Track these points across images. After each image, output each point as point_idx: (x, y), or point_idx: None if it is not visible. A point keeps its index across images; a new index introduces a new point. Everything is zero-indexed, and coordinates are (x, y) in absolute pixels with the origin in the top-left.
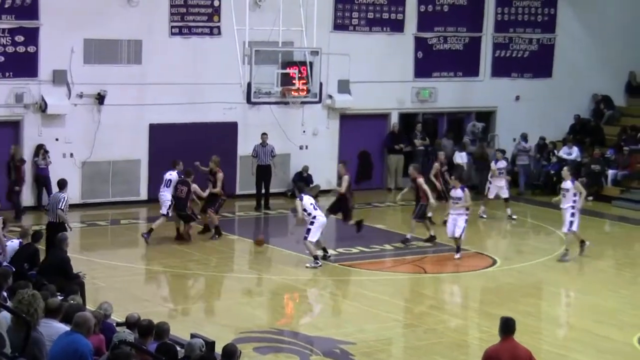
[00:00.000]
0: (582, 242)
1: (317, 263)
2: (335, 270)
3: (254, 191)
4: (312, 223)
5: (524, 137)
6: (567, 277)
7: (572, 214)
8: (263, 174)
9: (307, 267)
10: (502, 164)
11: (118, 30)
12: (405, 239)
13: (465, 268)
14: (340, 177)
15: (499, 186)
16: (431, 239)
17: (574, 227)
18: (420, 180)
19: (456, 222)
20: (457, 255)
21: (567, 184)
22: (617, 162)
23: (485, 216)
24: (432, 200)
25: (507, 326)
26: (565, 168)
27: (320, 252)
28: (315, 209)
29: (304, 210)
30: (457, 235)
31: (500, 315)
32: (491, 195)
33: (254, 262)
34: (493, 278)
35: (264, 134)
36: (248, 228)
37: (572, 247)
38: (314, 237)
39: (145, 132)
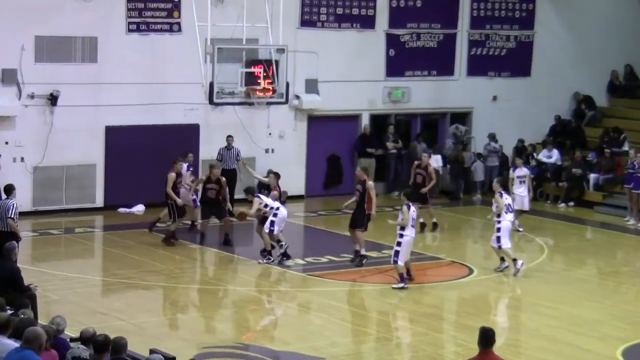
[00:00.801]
0: (514, 260)
1: (270, 259)
2: (304, 280)
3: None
4: (275, 215)
5: (493, 137)
6: (547, 286)
7: (498, 229)
8: (228, 178)
9: (258, 263)
10: (522, 171)
11: (72, 27)
12: (360, 256)
13: (441, 278)
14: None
15: (521, 196)
16: (357, 255)
17: (502, 244)
18: (370, 183)
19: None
20: (398, 285)
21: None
22: (599, 166)
23: (521, 229)
24: (373, 211)
25: (486, 338)
26: (495, 180)
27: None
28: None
29: (266, 205)
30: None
31: (478, 327)
32: (517, 206)
33: (217, 272)
34: (469, 288)
35: (229, 136)
36: (211, 236)
37: (508, 259)
38: (276, 229)
39: (101, 134)
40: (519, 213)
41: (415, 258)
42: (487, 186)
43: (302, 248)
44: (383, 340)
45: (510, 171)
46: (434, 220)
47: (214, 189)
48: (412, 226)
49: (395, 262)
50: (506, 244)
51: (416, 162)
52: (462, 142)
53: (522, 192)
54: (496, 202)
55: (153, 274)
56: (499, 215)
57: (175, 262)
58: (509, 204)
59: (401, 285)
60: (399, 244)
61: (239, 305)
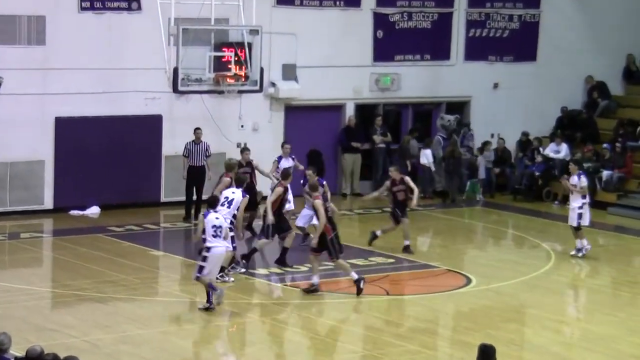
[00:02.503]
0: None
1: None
2: (282, 292)
3: (182, 198)
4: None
5: (467, 126)
6: (555, 298)
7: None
8: (195, 177)
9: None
10: (576, 179)
11: (15, 4)
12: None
13: (435, 288)
14: (395, 185)
15: (579, 209)
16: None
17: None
18: (318, 202)
19: None
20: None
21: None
22: (611, 161)
23: (584, 252)
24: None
25: (487, 356)
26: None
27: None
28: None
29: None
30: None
31: (477, 344)
32: (575, 223)
33: (183, 283)
34: (467, 300)
35: (197, 129)
36: (176, 242)
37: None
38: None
39: (50, 127)
40: (577, 230)
41: (406, 266)
42: (493, 185)
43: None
44: (368, 357)
45: (564, 180)
46: (407, 242)
47: (247, 172)
48: (215, 235)
49: (198, 277)
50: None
51: (387, 183)
52: (452, 133)
53: (576, 203)
54: (580, 184)
55: (109, 285)
56: (584, 197)
57: (135, 271)
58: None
59: (207, 305)
60: (204, 258)
61: (209, 320)
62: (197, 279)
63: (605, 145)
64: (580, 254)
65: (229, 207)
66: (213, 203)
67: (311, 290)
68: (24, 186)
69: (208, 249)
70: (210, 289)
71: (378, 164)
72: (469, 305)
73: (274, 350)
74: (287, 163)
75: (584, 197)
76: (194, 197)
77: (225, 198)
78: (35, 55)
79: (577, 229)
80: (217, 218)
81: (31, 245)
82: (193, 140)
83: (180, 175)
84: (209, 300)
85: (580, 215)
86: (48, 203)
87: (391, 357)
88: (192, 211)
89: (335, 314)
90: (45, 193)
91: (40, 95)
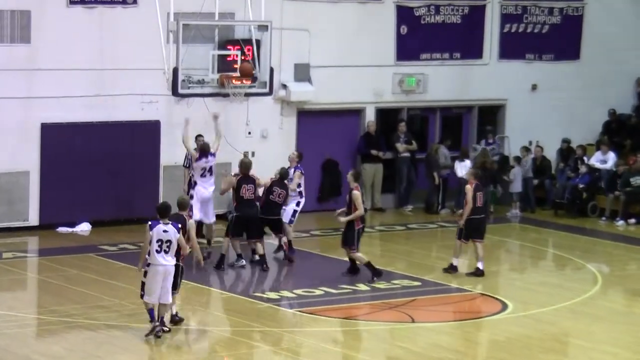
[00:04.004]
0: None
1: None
2: (294, 318)
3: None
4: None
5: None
6: (602, 326)
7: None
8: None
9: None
10: None
11: None
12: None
13: (467, 315)
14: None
15: None
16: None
17: None
18: (357, 192)
19: None
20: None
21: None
22: None
23: None
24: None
25: None
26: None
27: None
28: None
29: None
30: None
31: None
32: None
33: (184, 308)
34: (503, 328)
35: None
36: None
37: None
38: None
39: (35, 134)
40: None
41: (434, 289)
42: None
43: (291, 277)
44: None
45: None
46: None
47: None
48: (161, 251)
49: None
50: None
51: None
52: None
53: None
54: None
55: (101, 310)
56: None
57: (130, 295)
58: None
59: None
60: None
61: (213, 349)
62: (142, 297)
63: None
64: None
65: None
66: (163, 211)
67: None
68: (6, 200)
69: (148, 264)
70: (150, 314)
71: (402, 175)
72: (504, 334)
73: None
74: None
75: None
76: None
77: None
78: (19, 55)
79: None
80: (165, 231)
81: (14, 266)
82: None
83: (180, 187)
84: (152, 319)
85: None
86: (33, 219)
87: None
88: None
89: (353, 342)
90: (29, 208)
91: (24, 99)
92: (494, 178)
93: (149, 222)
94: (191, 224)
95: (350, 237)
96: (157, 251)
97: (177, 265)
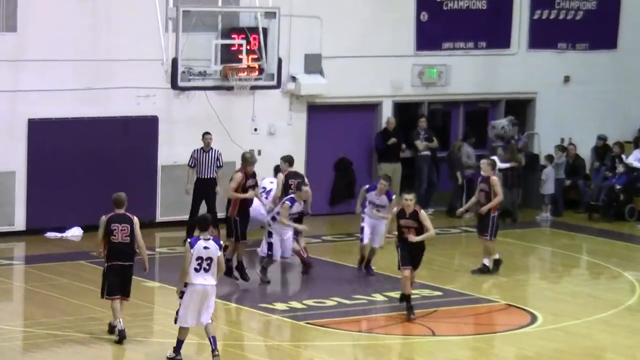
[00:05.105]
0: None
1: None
2: (303, 331)
3: (184, 217)
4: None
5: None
6: None
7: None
8: (204, 191)
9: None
10: None
11: None
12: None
13: (492, 328)
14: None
15: None
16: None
17: None
18: (496, 178)
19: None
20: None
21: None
22: None
23: None
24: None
25: None
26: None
27: None
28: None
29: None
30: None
31: None
32: None
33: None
34: (532, 342)
35: (206, 134)
36: (174, 271)
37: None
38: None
39: (22, 131)
40: None
41: (457, 300)
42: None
43: (300, 286)
44: None
45: None
46: (496, 256)
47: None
48: (198, 270)
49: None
50: None
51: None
52: (510, 140)
53: None
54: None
55: (94, 323)
56: None
57: (125, 306)
58: None
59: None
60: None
61: None
62: (175, 322)
63: None
64: None
65: (266, 198)
66: (203, 225)
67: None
68: None
69: (185, 284)
70: (177, 345)
71: (422, 175)
72: (533, 348)
73: None
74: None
75: None
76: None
77: (263, 188)
78: (5, 44)
79: None
80: (206, 248)
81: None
82: (201, 148)
83: (180, 189)
84: (175, 350)
85: None
86: (19, 224)
87: None
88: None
89: (368, 357)
90: (16, 211)
91: (10, 93)
92: (522, 177)
93: (189, 240)
94: (137, 221)
95: (485, 225)
96: (196, 270)
97: (130, 266)
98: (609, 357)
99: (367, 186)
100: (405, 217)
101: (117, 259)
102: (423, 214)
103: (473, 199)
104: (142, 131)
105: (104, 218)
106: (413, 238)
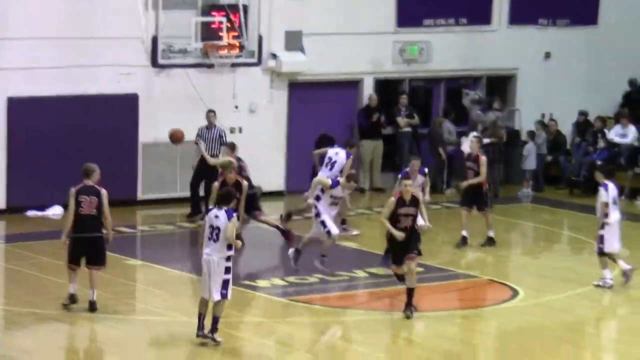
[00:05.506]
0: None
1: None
2: (286, 308)
3: (164, 195)
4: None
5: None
6: (621, 315)
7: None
8: (208, 168)
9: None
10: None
11: None
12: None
13: (474, 303)
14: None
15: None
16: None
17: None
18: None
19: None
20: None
21: None
22: None
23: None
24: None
25: None
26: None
27: None
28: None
29: None
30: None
31: None
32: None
33: (167, 298)
34: (513, 317)
35: (210, 111)
36: (157, 249)
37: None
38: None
39: (2, 109)
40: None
41: (438, 276)
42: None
43: (283, 263)
44: None
45: (601, 192)
46: (491, 233)
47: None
48: (209, 238)
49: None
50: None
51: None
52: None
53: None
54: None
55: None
56: (605, 215)
57: (107, 284)
58: (615, 197)
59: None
60: (228, 270)
61: (197, 342)
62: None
63: None
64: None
65: (331, 169)
66: (225, 199)
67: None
68: None
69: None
70: (198, 320)
71: (403, 152)
72: (514, 323)
73: None
74: None
75: (605, 215)
76: (202, 193)
77: (328, 158)
78: None
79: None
80: (216, 217)
81: None
82: (206, 126)
83: (161, 167)
84: (199, 327)
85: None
86: (0, 202)
87: None
88: (202, 207)
89: (352, 334)
90: None
91: None
92: (503, 153)
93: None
94: (105, 194)
95: (482, 201)
96: (208, 238)
97: (99, 237)
98: (589, 332)
99: (399, 175)
100: (406, 204)
101: (83, 231)
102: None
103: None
104: (123, 109)
105: (72, 190)
106: (423, 227)
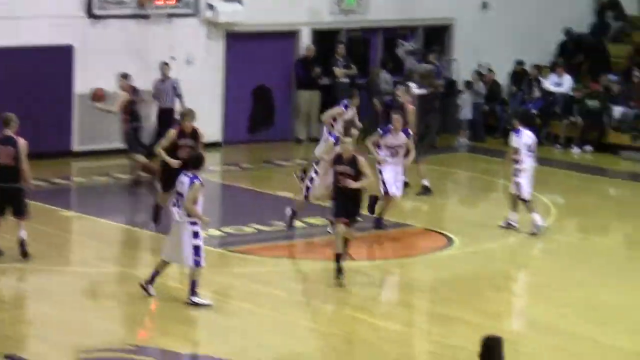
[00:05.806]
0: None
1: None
2: (222, 258)
3: (99, 147)
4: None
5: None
6: (555, 262)
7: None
8: (165, 121)
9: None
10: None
11: None
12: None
13: (409, 251)
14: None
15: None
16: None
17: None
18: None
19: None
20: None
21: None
22: (624, 96)
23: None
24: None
25: (492, 351)
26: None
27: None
28: None
29: None
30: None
31: (459, 317)
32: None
33: (103, 249)
34: (449, 265)
35: (164, 63)
36: (92, 200)
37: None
38: None
39: None
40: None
41: (373, 226)
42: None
43: (219, 214)
44: (328, 337)
45: (513, 137)
46: (425, 182)
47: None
48: (174, 205)
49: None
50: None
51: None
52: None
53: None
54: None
55: (9, 253)
56: (517, 162)
57: (41, 235)
58: (530, 145)
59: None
60: (196, 234)
61: (133, 294)
62: None
63: (611, 76)
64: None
65: None
66: (195, 163)
67: None
68: None
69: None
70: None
71: (340, 102)
72: (450, 270)
73: (212, 329)
74: None
75: (516, 162)
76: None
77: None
78: None
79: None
80: (181, 182)
81: None
82: (160, 79)
83: (97, 118)
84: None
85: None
86: None
87: (355, 334)
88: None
89: (288, 283)
90: None
91: None
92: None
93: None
94: (22, 144)
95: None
96: (173, 204)
97: (16, 188)
98: (525, 279)
99: (380, 131)
100: (343, 162)
101: (1, 181)
102: (362, 161)
103: None
104: (57, 61)
105: None
106: (351, 183)
